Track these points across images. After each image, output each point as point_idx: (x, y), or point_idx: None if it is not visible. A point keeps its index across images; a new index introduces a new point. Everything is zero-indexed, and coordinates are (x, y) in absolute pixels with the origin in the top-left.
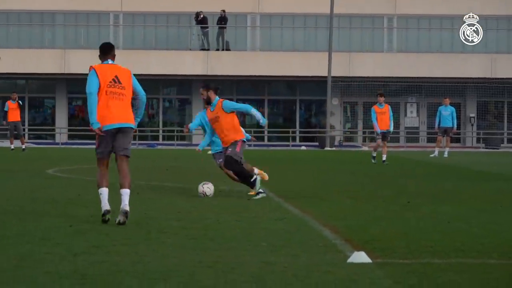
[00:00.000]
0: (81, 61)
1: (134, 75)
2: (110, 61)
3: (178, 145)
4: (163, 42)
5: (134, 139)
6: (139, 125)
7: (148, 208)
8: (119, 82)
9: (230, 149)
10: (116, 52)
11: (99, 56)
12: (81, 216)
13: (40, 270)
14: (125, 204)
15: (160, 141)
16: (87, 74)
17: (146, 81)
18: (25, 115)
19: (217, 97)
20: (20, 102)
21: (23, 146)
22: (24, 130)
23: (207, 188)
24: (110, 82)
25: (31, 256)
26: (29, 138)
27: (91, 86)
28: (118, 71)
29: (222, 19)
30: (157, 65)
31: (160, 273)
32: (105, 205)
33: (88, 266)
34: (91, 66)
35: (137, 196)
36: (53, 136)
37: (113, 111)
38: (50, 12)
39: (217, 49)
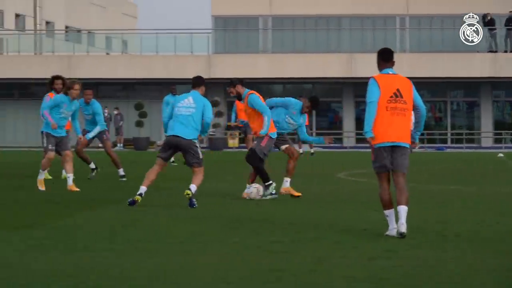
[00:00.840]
0: (368, 65)
1: (420, 78)
2: (390, 71)
3: (466, 148)
4: (449, 45)
5: (422, 142)
6: (426, 127)
7: (441, 213)
8: (401, 96)
9: (255, 142)
10: (403, 55)
11: (378, 62)
12: (374, 220)
13: (336, 274)
14: (402, 224)
15: (449, 144)
16: None
17: (433, 84)
18: (313, 119)
19: (246, 90)
20: None
21: (312, 150)
22: (312, 134)
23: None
24: (391, 97)
25: (327, 260)
26: None
27: (373, 95)
28: (399, 83)
29: (511, 20)
30: (444, 68)
31: (449, 277)
32: (392, 230)
33: (383, 270)
34: (373, 76)
35: (432, 200)
36: (340, 140)
37: (391, 128)
38: (335, 16)
39: (505, 51)
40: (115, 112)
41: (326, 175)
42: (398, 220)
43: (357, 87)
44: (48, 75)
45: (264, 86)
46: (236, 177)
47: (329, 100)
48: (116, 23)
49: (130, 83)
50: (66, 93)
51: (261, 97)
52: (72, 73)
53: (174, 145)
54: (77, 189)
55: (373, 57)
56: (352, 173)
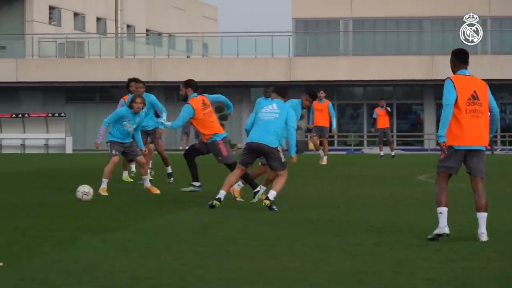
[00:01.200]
0: (449, 67)
1: (502, 80)
2: (467, 72)
3: None
4: None
5: (504, 144)
6: (508, 129)
7: None
8: (477, 98)
9: (220, 158)
10: (484, 57)
11: (452, 63)
12: (455, 222)
13: (418, 276)
14: (483, 233)
15: None
16: None
17: (510, 86)
18: (394, 121)
19: (193, 95)
20: (389, 109)
21: (393, 153)
22: (392, 136)
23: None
24: (469, 99)
25: (409, 262)
26: (397, 145)
27: (450, 97)
28: (476, 84)
29: None
30: None
31: None
32: (444, 228)
33: (466, 273)
34: (449, 77)
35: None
36: (421, 143)
37: (470, 131)
38: (416, 18)
39: None
40: None
41: (406, 178)
42: (478, 228)
43: (438, 89)
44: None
45: (345, 88)
46: (316, 179)
47: (410, 103)
48: (196, 26)
49: (211, 86)
50: (130, 106)
51: (196, 106)
52: (153, 76)
53: (255, 150)
54: (157, 191)
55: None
56: (432, 176)
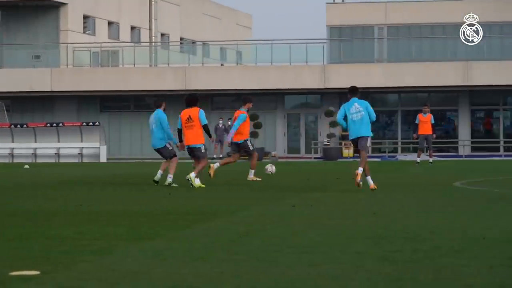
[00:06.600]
0: (484, 72)
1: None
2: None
3: None
4: None
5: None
6: None
7: None
8: None
9: None
10: None
11: None
12: (492, 227)
13: (458, 283)
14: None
15: None
16: (490, 86)
17: None
18: None
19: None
20: (432, 120)
21: (430, 160)
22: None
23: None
24: None
25: (448, 268)
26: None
27: None
28: None
29: None
30: None
31: None
32: None
33: (506, 278)
34: None
35: None
36: (456, 149)
37: None
38: (451, 24)
39: None
40: (229, 123)
41: (443, 184)
42: None
43: (473, 95)
44: (163, 87)
45: (379, 95)
46: (352, 186)
47: (444, 109)
48: (230, 34)
49: (245, 94)
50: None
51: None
52: (187, 85)
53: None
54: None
55: (491, 65)
56: (469, 182)
